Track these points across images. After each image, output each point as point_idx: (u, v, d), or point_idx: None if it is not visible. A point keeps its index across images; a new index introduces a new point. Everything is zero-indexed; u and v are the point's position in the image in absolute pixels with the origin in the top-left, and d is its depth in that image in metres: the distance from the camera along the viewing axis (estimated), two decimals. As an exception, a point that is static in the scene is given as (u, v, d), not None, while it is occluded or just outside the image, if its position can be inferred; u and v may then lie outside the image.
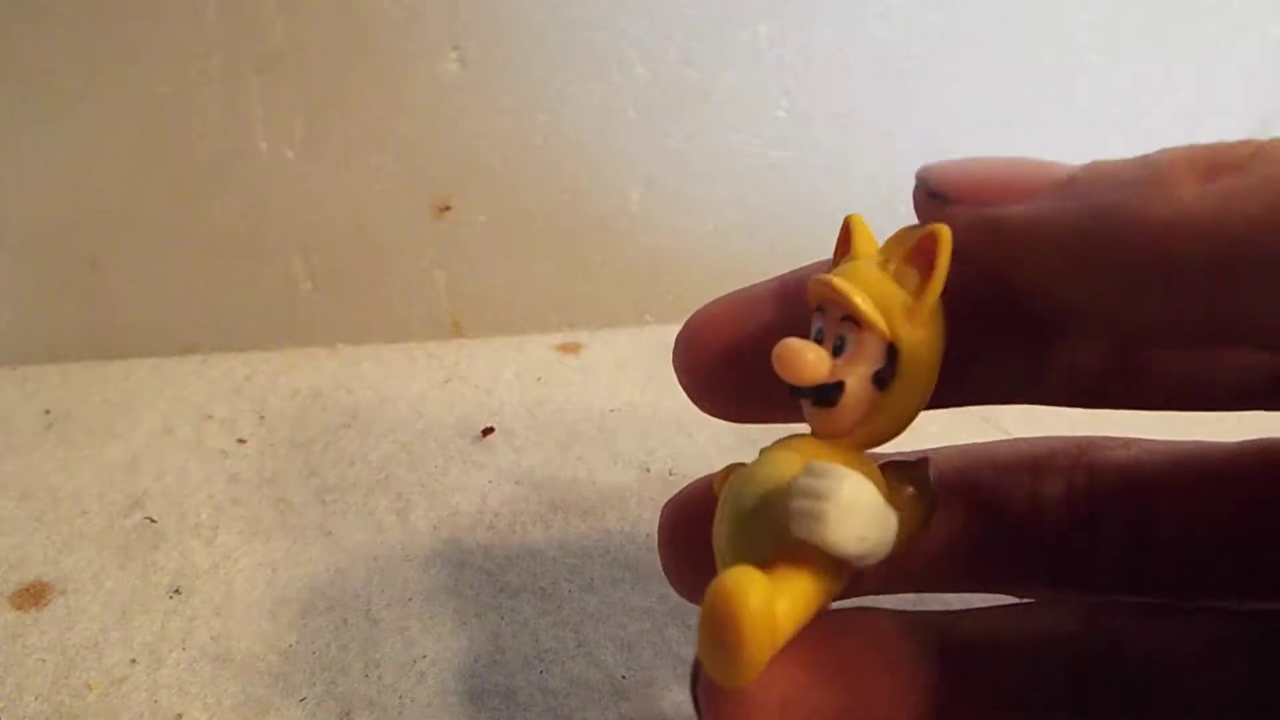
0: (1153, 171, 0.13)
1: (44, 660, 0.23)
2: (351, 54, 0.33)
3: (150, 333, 0.36)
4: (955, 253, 0.15)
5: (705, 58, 0.34)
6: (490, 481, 0.29)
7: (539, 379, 0.34)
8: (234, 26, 0.32)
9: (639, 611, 0.25)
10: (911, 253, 0.16)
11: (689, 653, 0.23)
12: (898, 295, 0.15)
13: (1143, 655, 0.16)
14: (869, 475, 0.15)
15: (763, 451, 0.16)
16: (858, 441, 0.16)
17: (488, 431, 0.31)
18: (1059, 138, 0.36)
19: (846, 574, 0.15)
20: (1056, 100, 0.37)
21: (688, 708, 0.22)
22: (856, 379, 0.15)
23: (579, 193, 0.36)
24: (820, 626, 0.15)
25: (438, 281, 0.37)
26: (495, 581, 0.26)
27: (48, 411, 0.33)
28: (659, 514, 0.19)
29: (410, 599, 0.25)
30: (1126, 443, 0.19)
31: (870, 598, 0.18)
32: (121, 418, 0.33)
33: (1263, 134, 0.13)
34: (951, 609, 0.18)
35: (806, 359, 0.15)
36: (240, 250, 0.35)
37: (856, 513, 0.14)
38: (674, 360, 0.18)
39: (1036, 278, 0.15)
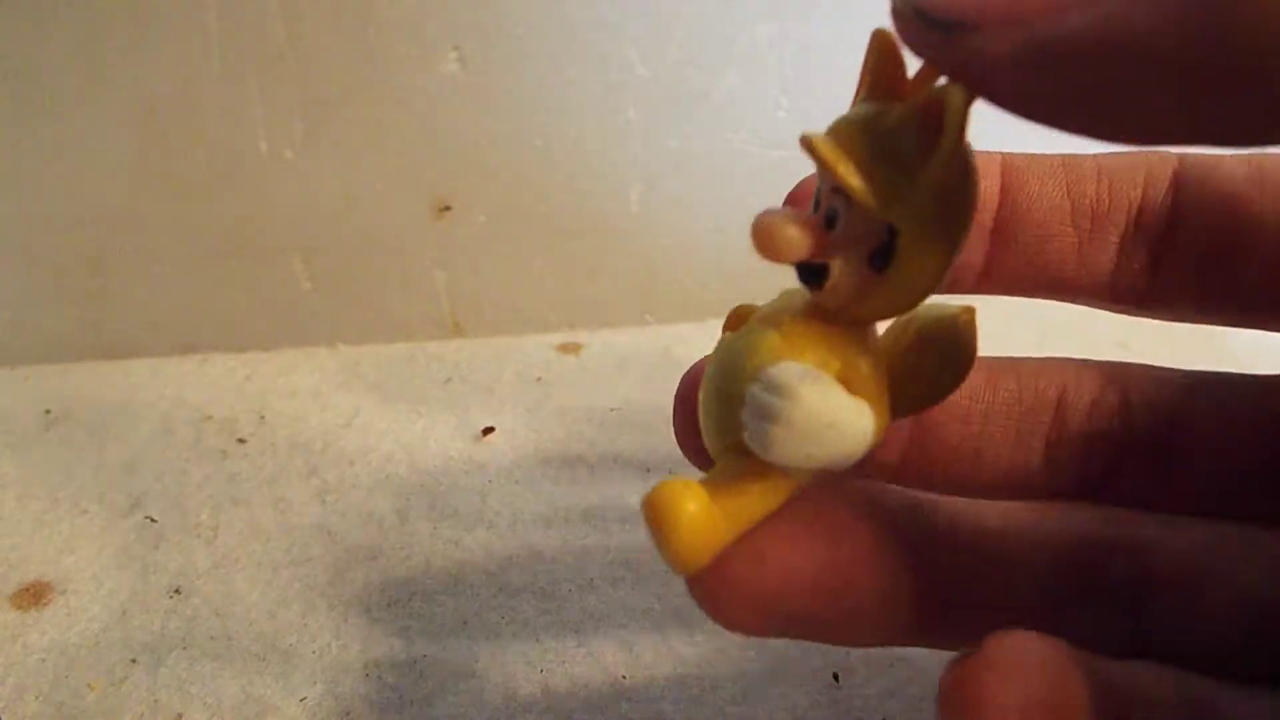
0: None
1: (44, 660, 0.23)
2: (351, 54, 0.33)
3: (150, 333, 0.36)
4: (1002, 95, 0.12)
5: (705, 58, 0.34)
6: (490, 481, 0.29)
7: (539, 379, 0.34)
8: (234, 26, 0.32)
9: (639, 611, 0.25)
10: (922, 109, 0.13)
11: (689, 653, 0.23)
12: (894, 164, 0.13)
13: (1168, 559, 0.15)
14: (858, 366, 0.14)
15: (757, 317, 0.15)
16: (854, 317, 0.14)
17: (488, 431, 0.31)
18: (1061, 136, 0.36)
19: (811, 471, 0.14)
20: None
21: (688, 707, 0.22)
22: (844, 262, 0.13)
23: (579, 193, 0.36)
24: (814, 493, 0.15)
25: (438, 281, 0.37)
26: (495, 581, 0.26)
27: (48, 411, 0.33)
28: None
29: (411, 599, 0.25)
30: (1159, 368, 0.18)
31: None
32: (121, 418, 0.33)
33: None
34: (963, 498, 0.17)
35: (785, 235, 0.13)
36: (240, 250, 0.35)
37: (807, 434, 0.13)
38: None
39: (1132, 106, 0.11)
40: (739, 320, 0.16)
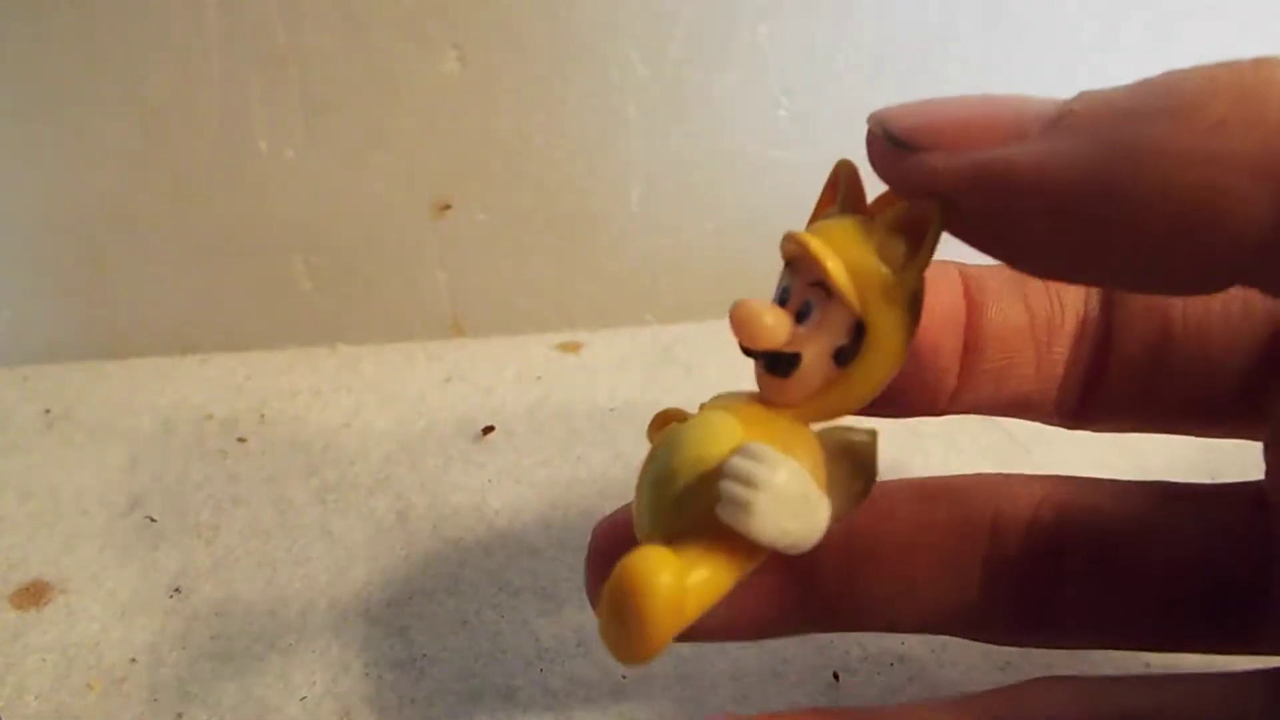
0: (1175, 98, 0.11)
1: (44, 660, 0.23)
2: (351, 54, 0.33)
3: (150, 333, 0.36)
4: (952, 214, 0.13)
5: (705, 58, 0.34)
6: (490, 481, 0.29)
7: (539, 379, 0.34)
8: (234, 26, 0.32)
9: (639, 611, 0.25)
10: (900, 222, 0.14)
11: (689, 652, 0.23)
12: (877, 268, 0.14)
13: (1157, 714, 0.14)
14: (808, 455, 0.14)
15: (701, 408, 0.16)
16: (805, 414, 0.15)
17: (488, 431, 0.31)
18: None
19: (765, 554, 0.14)
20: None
21: (688, 707, 0.22)
22: (815, 353, 0.14)
23: (579, 193, 0.36)
24: None
25: (438, 281, 0.37)
26: (495, 581, 0.26)
27: (48, 411, 0.33)
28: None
29: (410, 599, 0.25)
30: (1095, 480, 0.18)
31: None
32: (121, 418, 0.33)
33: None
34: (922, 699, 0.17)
35: (764, 322, 0.14)
36: (240, 250, 0.35)
37: (786, 505, 0.13)
38: None
39: (1038, 232, 0.13)
40: (664, 423, 0.16)
